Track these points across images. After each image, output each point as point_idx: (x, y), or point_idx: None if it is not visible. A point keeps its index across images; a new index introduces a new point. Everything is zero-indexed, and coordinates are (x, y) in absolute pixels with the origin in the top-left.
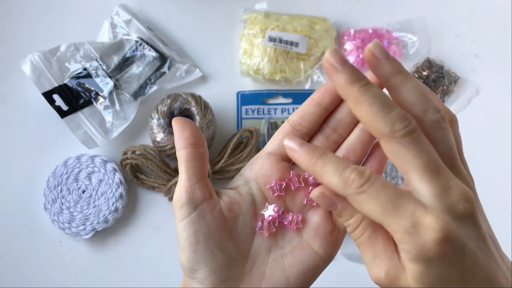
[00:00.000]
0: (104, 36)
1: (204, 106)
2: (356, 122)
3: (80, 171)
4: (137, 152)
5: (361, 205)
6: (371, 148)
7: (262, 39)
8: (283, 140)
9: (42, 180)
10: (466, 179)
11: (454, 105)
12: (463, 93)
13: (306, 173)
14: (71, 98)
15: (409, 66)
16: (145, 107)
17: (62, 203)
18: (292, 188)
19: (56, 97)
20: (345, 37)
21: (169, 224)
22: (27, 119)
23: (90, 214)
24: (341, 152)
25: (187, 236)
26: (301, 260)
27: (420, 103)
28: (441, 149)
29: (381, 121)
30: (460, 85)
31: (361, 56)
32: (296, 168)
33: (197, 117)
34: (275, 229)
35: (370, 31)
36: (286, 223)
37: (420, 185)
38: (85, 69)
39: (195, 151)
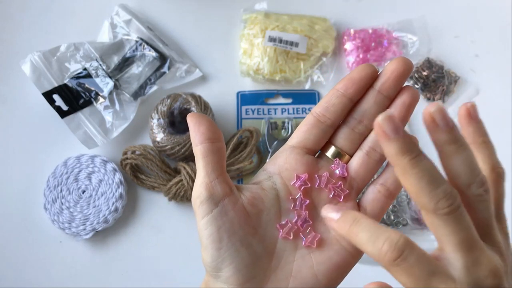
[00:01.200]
0: (104, 36)
1: (204, 106)
2: (381, 111)
3: (80, 171)
4: (137, 152)
5: (395, 275)
6: None
7: (262, 39)
8: (306, 132)
9: (42, 180)
10: (500, 249)
11: (454, 105)
12: (463, 93)
13: (333, 165)
14: (71, 98)
15: None
16: (145, 107)
17: (62, 203)
18: (318, 186)
19: (56, 97)
20: (345, 37)
21: (169, 224)
22: (27, 119)
23: (90, 214)
24: (367, 144)
25: (210, 233)
26: (330, 257)
27: (467, 176)
28: (479, 218)
29: (426, 196)
30: (460, 85)
31: (361, 56)
32: (320, 161)
33: None
34: (296, 227)
35: (370, 31)
36: (302, 236)
37: (453, 257)
38: (85, 69)
39: (213, 146)
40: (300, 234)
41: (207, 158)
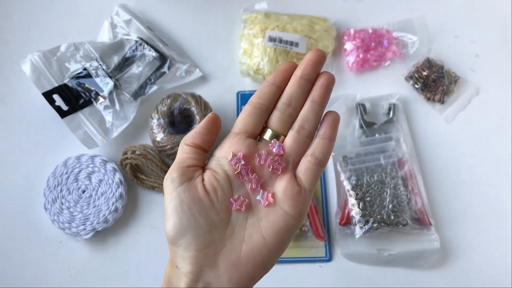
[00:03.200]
0: (104, 36)
1: (204, 106)
2: (306, 94)
3: (80, 171)
4: (137, 152)
5: None
6: (322, 116)
7: (262, 39)
8: (245, 119)
9: (42, 180)
10: None
11: (454, 105)
12: (463, 93)
13: (270, 145)
14: (71, 98)
15: (409, 66)
16: (145, 107)
17: (62, 203)
18: (258, 163)
19: (56, 97)
20: (345, 37)
21: None
22: (27, 119)
23: (90, 214)
24: (297, 123)
25: (174, 205)
26: (275, 221)
27: None
28: None
29: None
30: (460, 85)
31: (361, 56)
32: (260, 143)
33: (197, 117)
34: (247, 201)
35: (370, 31)
36: (259, 200)
37: None
38: (85, 69)
39: (198, 151)
40: (257, 198)
41: (189, 154)
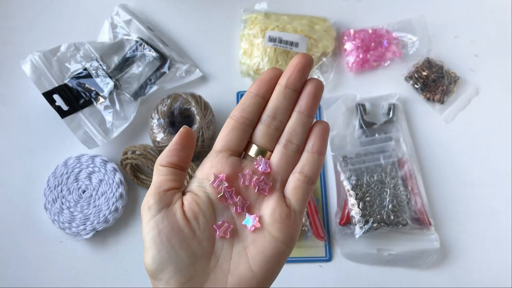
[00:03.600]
0: (104, 36)
1: (204, 106)
2: (292, 106)
3: (80, 171)
4: (137, 152)
5: None
6: (310, 128)
7: (262, 39)
8: (228, 135)
9: (43, 180)
10: None
11: (453, 105)
12: (463, 93)
13: (255, 163)
14: (71, 98)
15: (409, 66)
16: (145, 107)
17: (62, 203)
18: (243, 184)
19: (56, 97)
20: (345, 37)
21: None
22: (27, 119)
23: (90, 214)
24: (283, 137)
25: (152, 236)
26: (263, 248)
27: None
28: None
29: None
30: (460, 85)
31: (361, 56)
32: (245, 161)
33: (197, 117)
34: (232, 227)
35: (370, 31)
36: (244, 225)
37: None
38: (85, 69)
39: (174, 171)
40: (242, 223)
41: (165, 176)
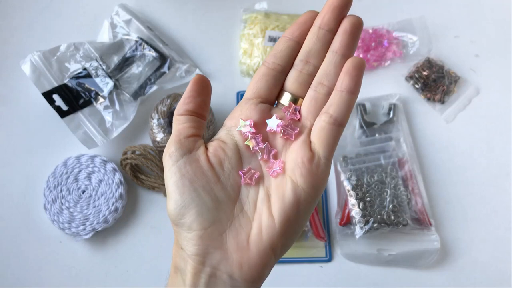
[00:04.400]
0: (104, 36)
1: None
2: (327, 47)
3: (80, 171)
4: (137, 152)
5: None
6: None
7: (262, 39)
8: (258, 82)
9: (42, 180)
10: None
11: (454, 105)
12: (463, 93)
13: (283, 108)
14: (71, 98)
15: (409, 66)
16: (145, 107)
17: (62, 203)
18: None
19: (56, 97)
20: None
21: (169, 224)
22: (27, 119)
23: (90, 214)
24: (315, 80)
25: (174, 181)
26: (283, 195)
27: None
28: None
29: None
30: (460, 85)
31: (361, 56)
32: (275, 109)
33: None
34: (258, 173)
35: (371, 30)
36: (267, 170)
37: None
38: (85, 69)
39: (191, 118)
40: (266, 167)
41: (183, 124)
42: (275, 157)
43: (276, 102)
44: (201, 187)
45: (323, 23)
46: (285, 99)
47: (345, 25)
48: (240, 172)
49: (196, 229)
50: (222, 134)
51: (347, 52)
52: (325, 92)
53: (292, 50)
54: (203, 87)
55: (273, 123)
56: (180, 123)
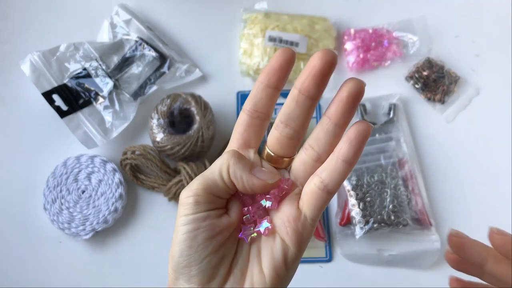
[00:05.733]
0: (104, 36)
1: (204, 106)
2: (307, 112)
3: (80, 171)
4: (137, 152)
5: None
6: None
7: (262, 39)
8: (245, 132)
9: (42, 180)
10: None
11: (454, 105)
12: (463, 93)
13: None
14: (71, 98)
15: (409, 66)
16: (145, 107)
17: (61, 203)
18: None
19: (55, 97)
20: (345, 37)
21: (169, 224)
22: (26, 119)
23: (89, 214)
24: (307, 142)
25: (187, 230)
26: (272, 251)
27: None
28: None
29: None
30: (460, 85)
31: (361, 56)
32: (264, 162)
33: (197, 117)
34: (256, 235)
35: (370, 31)
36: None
37: None
38: (84, 69)
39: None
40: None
41: (235, 171)
42: (265, 214)
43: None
44: (211, 246)
45: (303, 88)
46: (266, 157)
47: (342, 92)
48: (242, 226)
49: (194, 283)
50: None
51: (342, 121)
52: (314, 157)
53: (271, 97)
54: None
55: (262, 226)
56: (232, 165)
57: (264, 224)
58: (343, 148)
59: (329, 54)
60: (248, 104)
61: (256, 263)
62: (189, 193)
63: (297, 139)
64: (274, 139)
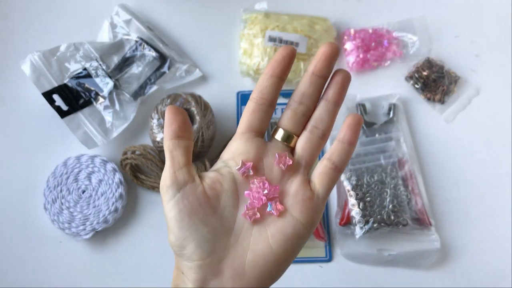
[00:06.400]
0: (104, 36)
1: (204, 106)
2: (319, 91)
3: (80, 171)
4: (137, 152)
5: None
6: (345, 119)
7: (262, 39)
8: (250, 116)
9: (42, 180)
10: None
11: (454, 105)
12: (463, 93)
13: (275, 161)
14: (71, 98)
15: (409, 66)
16: (145, 107)
17: (62, 203)
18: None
19: (56, 97)
20: (345, 37)
21: None
22: (27, 119)
23: (90, 214)
24: (310, 123)
25: (173, 215)
26: (283, 228)
27: None
28: None
29: None
30: (460, 85)
31: (361, 56)
32: (270, 144)
33: (197, 117)
34: (259, 216)
35: (370, 31)
36: (270, 211)
37: None
38: (85, 69)
39: (180, 143)
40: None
41: (173, 152)
42: (274, 198)
43: (271, 137)
44: (199, 220)
45: (316, 69)
46: (279, 135)
47: (337, 78)
48: (246, 205)
49: (195, 260)
50: (219, 166)
51: (339, 101)
52: (319, 135)
53: (276, 85)
54: (179, 110)
55: (271, 208)
56: (171, 150)
57: (274, 206)
58: (346, 133)
59: (334, 44)
60: (254, 93)
61: (261, 239)
62: (161, 182)
63: (307, 116)
64: (287, 117)
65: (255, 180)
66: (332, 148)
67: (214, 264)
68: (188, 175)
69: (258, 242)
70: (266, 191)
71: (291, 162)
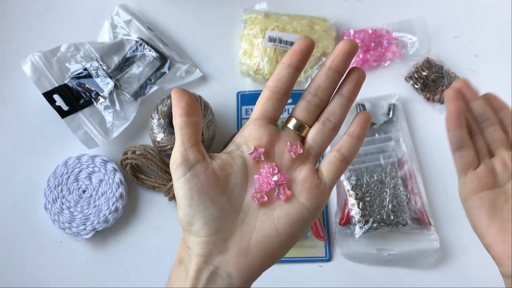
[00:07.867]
0: (105, 36)
1: (204, 106)
2: (334, 85)
3: (81, 171)
4: (137, 152)
5: None
6: (354, 115)
7: (262, 39)
8: (265, 104)
9: (43, 180)
10: None
11: None
12: None
13: (287, 149)
14: (72, 98)
15: (408, 66)
16: (145, 107)
17: (62, 203)
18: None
19: (56, 97)
20: (345, 37)
21: (169, 224)
22: (27, 119)
23: (90, 214)
24: (323, 115)
25: (183, 193)
26: (289, 212)
27: None
28: None
29: None
30: None
31: (360, 56)
32: (282, 132)
33: None
34: (266, 199)
35: (370, 31)
36: (277, 196)
37: None
38: (85, 69)
39: (189, 119)
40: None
41: (183, 129)
42: (281, 183)
43: (284, 126)
44: (208, 199)
45: (333, 64)
46: (292, 124)
47: (353, 75)
48: (254, 188)
49: (202, 236)
50: (231, 149)
51: (353, 97)
52: (331, 127)
53: (292, 75)
54: (184, 90)
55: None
56: (181, 127)
57: (282, 191)
58: (355, 129)
59: (353, 41)
60: (271, 81)
61: (268, 220)
62: (172, 160)
63: (321, 108)
64: (301, 107)
65: (265, 165)
66: (341, 141)
67: (220, 241)
68: (199, 154)
69: (264, 223)
70: (275, 178)
71: (301, 151)
